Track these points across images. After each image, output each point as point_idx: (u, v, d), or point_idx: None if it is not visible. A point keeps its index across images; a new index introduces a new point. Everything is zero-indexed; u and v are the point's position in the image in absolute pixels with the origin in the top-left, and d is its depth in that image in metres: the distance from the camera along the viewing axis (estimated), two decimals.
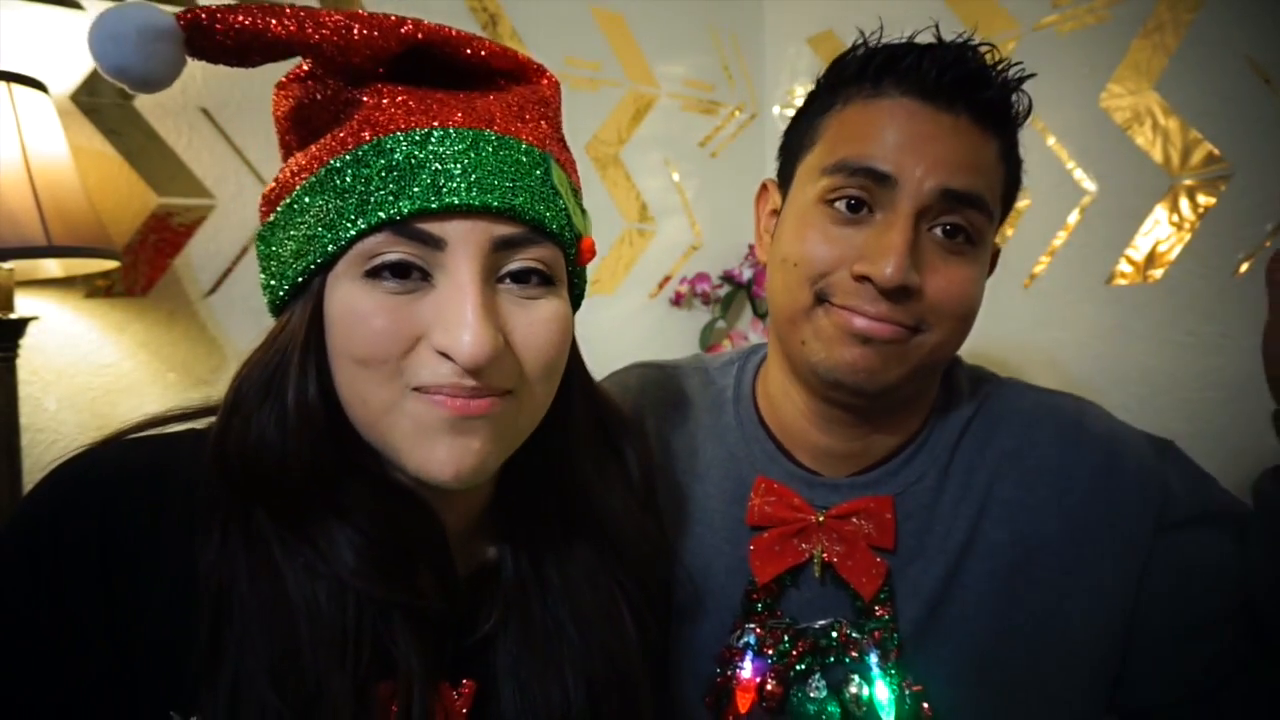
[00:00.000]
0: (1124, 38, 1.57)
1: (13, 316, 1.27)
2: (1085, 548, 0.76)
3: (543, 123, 0.63)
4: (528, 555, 0.69)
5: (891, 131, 0.75)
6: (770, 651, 0.79)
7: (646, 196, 2.16)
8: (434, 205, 0.54)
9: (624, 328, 2.15)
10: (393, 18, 0.58)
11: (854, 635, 0.78)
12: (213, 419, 0.63)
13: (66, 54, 1.45)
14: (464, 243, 0.55)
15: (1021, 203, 1.73)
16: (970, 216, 0.75)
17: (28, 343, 1.31)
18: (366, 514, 0.58)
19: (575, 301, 0.68)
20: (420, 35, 0.59)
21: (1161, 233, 1.52)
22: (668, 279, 2.20)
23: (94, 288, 1.48)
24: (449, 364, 0.54)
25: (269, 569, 0.57)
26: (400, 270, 0.55)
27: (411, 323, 0.55)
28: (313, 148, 0.59)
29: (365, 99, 0.58)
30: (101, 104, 1.48)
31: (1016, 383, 0.88)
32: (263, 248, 0.62)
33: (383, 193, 0.55)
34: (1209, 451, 1.50)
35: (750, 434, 0.88)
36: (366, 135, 0.56)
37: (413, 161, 0.55)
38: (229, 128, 1.60)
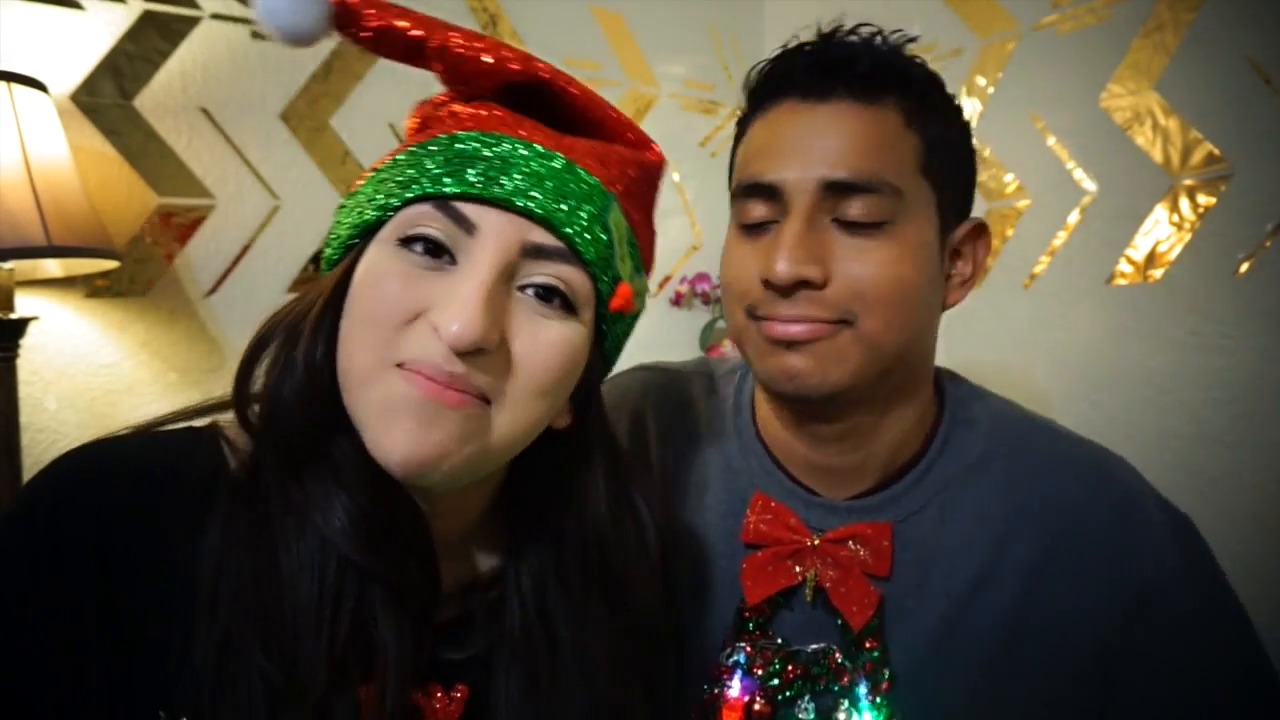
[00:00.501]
0: (1124, 38, 1.57)
1: (13, 316, 1.27)
2: (1087, 613, 0.74)
3: (625, 173, 0.64)
4: (536, 607, 0.66)
5: (775, 141, 0.75)
6: (759, 671, 0.78)
7: None
8: (477, 190, 0.56)
9: None
10: (522, 53, 0.63)
11: (845, 664, 0.77)
12: (208, 416, 0.64)
13: (66, 54, 1.45)
14: (494, 234, 0.56)
15: (1021, 203, 1.74)
16: (865, 205, 0.71)
17: (28, 343, 1.31)
18: (359, 480, 0.58)
19: (606, 357, 0.67)
20: (535, 71, 0.63)
21: (1161, 233, 1.52)
22: (668, 279, 2.20)
23: (94, 288, 1.48)
24: (438, 344, 0.54)
25: (266, 537, 0.57)
26: (432, 248, 0.57)
27: (419, 295, 0.56)
28: (414, 139, 0.63)
29: (469, 110, 0.62)
30: (101, 104, 1.48)
31: (1046, 429, 0.83)
32: (335, 217, 0.65)
33: (437, 171, 0.57)
34: (1209, 453, 1.51)
35: (749, 447, 0.87)
36: (453, 130, 0.60)
37: (476, 154, 0.58)
38: (229, 128, 1.60)
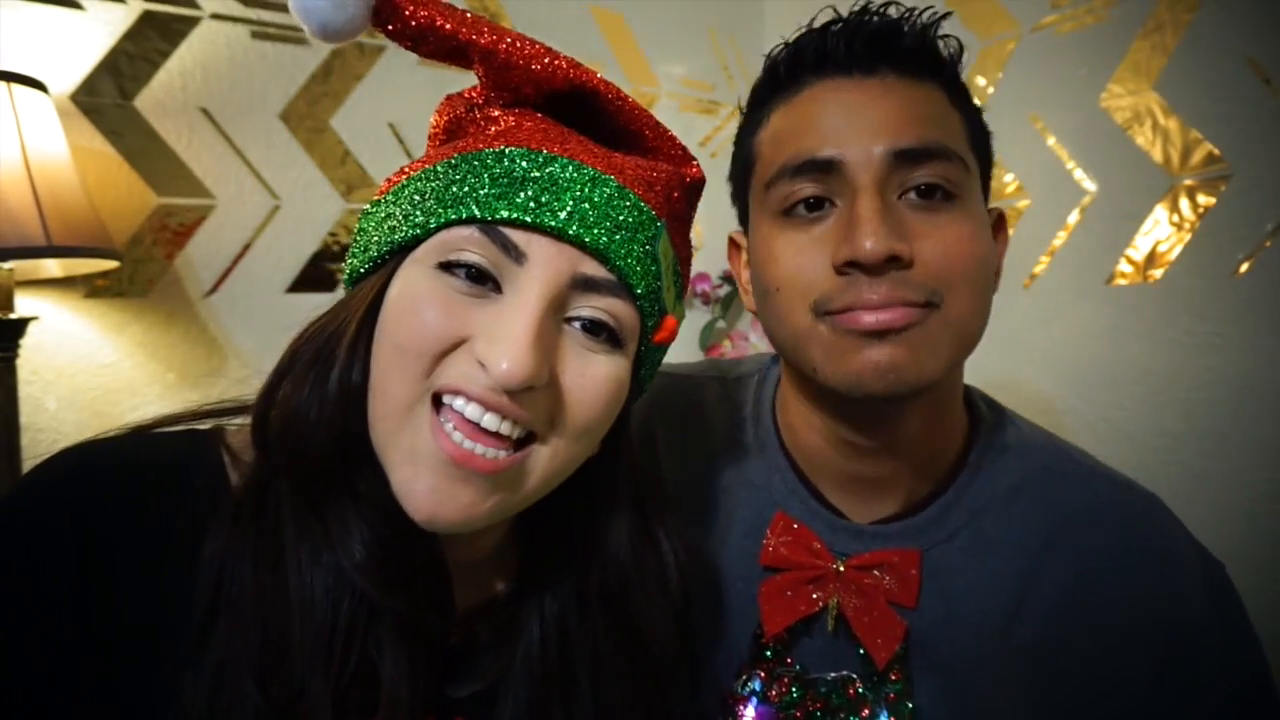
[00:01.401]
0: (1124, 38, 1.57)
1: (13, 316, 1.27)
2: (1114, 662, 0.70)
3: (672, 196, 0.61)
4: (557, 637, 0.64)
5: (821, 117, 0.70)
6: (776, 699, 0.74)
7: None
8: (528, 219, 0.53)
9: None
10: (570, 59, 0.60)
11: (865, 694, 0.72)
12: (213, 420, 0.62)
13: (66, 54, 1.45)
14: (544, 264, 0.53)
15: (1021, 203, 1.74)
16: (938, 169, 0.67)
17: (28, 343, 1.31)
18: (380, 511, 0.56)
19: (638, 385, 0.64)
20: (584, 81, 0.60)
21: (1161, 233, 1.52)
22: None
23: (94, 288, 1.48)
24: (482, 375, 0.52)
25: (274, 557, 0.55)
26: (474, 274, 0.54)
27: (462, 324, 0.53)
28: (446, 147, 0.60)
29: (510, 118, 0.59)
30: (101, 104, 1.48)
31: (1080, 463, 0.78)
32: (360, 223, 0.62)
33: (485, 192, 0.54)
34: (1208, 451, 1.51)
35: (771, 461, 0.81)
36: (496, 143, 0.56)
37: (526, 175, 0.54)
38: (229, 128, 1.60)
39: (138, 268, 1.52)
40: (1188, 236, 1.49)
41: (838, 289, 0.67)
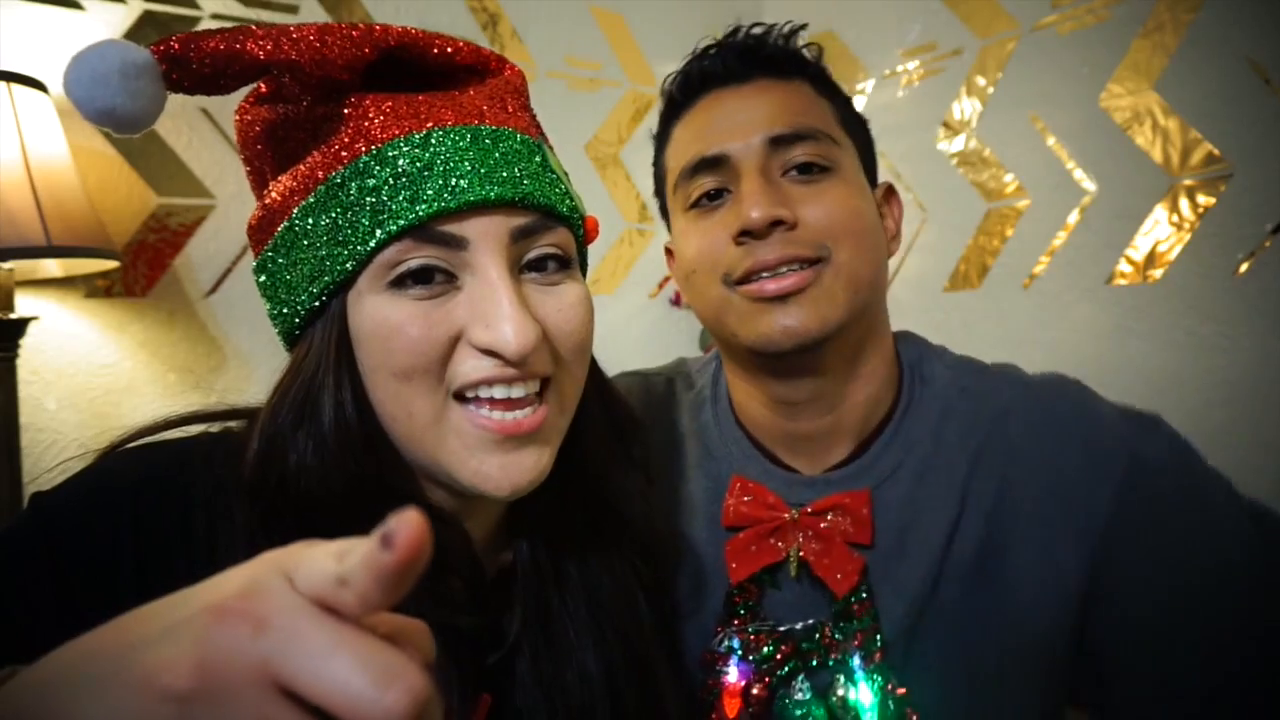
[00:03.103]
0: (1124, 38, 1.57)
1: (13, 316, 1.27)
2: (1052, 531, 0.74)
3: (524, 113, 0.63)
4: (546, 550, 0.68)
5: (709, 122, 0.82)
6: (754, 656, 0.78)
7: (646, 196, 2.16)
8: (450, 205, 0.54)
9: (623, 328, 2.15)
10: (361, 26, 0.57)
11: (837, 637, 0.77)
12: (213, 424, 0.62)
13: (66, 54, 1.44)
14: (485, 238, 0.55)
15: (1021, 203, 1.74)
16: (810, 147, 0.78)
17: (28, 343, 1.31)
18: None
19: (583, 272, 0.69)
20: (392, 40, 0.58)
21: (1161, 233, 1.52)
22: (667, 279, 2.20)
23: (94, 288, 1.48)
24: (490, 359, 0.55)
25: None
26: (424, 276, 0.55)
27: (446, 325, 0.55)
28: (300, 168, 0.57)
29: (346, 110, 0.57)
30: None
31: (1000, 374, 0.85)
32: (265, 279, 0.60)
33: (396, 201, 0.54)
34: (1208, 451, 1.49)
35: (727, 433, 0.88)
36: (362, 146, 0.55)
37: (419, 165, 0.54)
38: (229, 128, 1.60)
39: (138, 268, 1.52)
40: (1188, 236, 1.49)
41: (738, 258, 0.77)
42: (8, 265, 1.26)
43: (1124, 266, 1.57)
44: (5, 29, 1.38)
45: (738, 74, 0.83)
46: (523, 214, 0.57)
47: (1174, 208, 1.51)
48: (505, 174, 0.56)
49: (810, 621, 0.78)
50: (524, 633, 0.65)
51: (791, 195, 0.77)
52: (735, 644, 0.79)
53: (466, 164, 0.55)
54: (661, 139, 0.89)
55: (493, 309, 0.54)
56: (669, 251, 0.94)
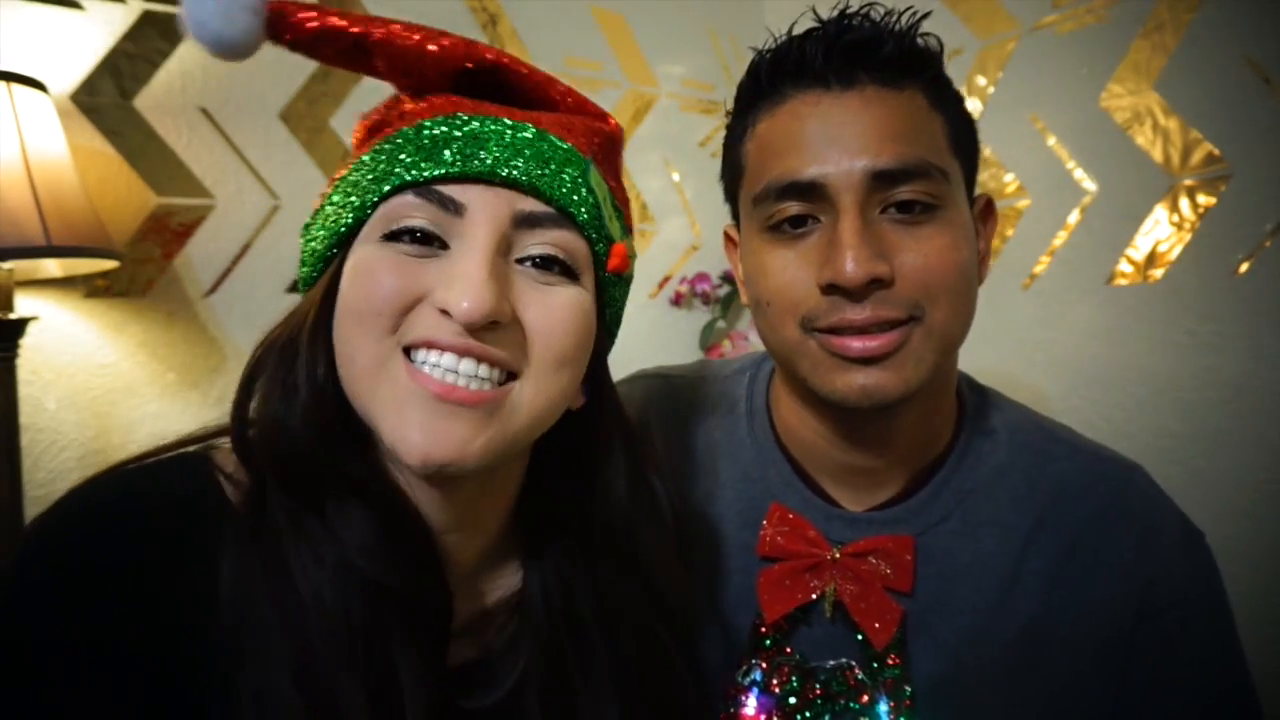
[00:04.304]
0: (1124, 38, 1.57)
1: (13, 316, 1.27)
2: (1102, 620, 0.73)
3: (593, 141, 0.63)
4: (559, 592, 0.65)
5: (801, 135, 0.71)
6: (777, 689, 0.75)
7: (646, 197, 2.16)
8: (457, 169, 0.55)
9: (624, 328, 2.14)
10: (460, 37, 0.61)
11: (865, 680, 0.74)
12: (198, 445, 0.61)
13: (66, 54, 1.45)
14: (483, 210, 0.55)
15: (1021, 202, 1.74)
16: (917, 185, 0.69)
17: (28, 343, 1.31)
18: (374, 496, 0.57)
19: (609, 329, 0.66)
20: (490, 56, 0.61)
21: (1161, 233, 1.52)
22: (668, 279, 2.20)
23: (94, 288, 1.48)
24: (448, 323, 0.54)
25: (282, 564, 0.55)
26: (420, 237, 0.55)
27: (417, 282, 0.55)
28: (366, 145, 0.61)
29: (422, 103, 0.60)
30: (101, 104, 1.48)
31: (1065, 440, 0.81)
32: (302, 241, 0.63)
33: (410, 159, 0.56)
34: (1208, 451, 1.50)
35: (767, 455, 0.83)
36: (412, 121, 0.58)
37: (447, 136, 0.56)
38: (229, 128, 1.60)
39: (137, 268, 1.52)
40: (1188, 236, 1.49)
41: (823, 309, 0.69)
42: (8, 265, 1.26)
43: (1124, 266, 1.57)
44: (5, 29, 1.38)
45: (842, 76, 0.70)
46: (532, 201, 0.57)
47: (1174, 208, 1.51)
48: (524, 161, 0.56)
49: (840, 661, 0.75)
50: (529, 684, 0.63)
51: (889, 241, 0.68)
52: (758, 677, 0.76)
53: (492, 144, 0.56)
54: (741, 126, 0.78)
55: (460, 269, 0.53)
56: (729, 238, 0.86)
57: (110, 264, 1.39)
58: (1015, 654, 0.73)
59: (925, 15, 0.73)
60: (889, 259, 0.68)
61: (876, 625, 0.72)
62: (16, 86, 1.26)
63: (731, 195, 0.82)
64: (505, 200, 0.56)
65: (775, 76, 0.74)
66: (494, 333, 0.54)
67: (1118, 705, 0.74)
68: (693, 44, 2.27)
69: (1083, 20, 1.64)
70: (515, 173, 0.56)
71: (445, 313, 0.53)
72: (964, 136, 0.75)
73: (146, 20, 1.52)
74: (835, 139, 0.69)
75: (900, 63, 0.71)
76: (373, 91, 1.75)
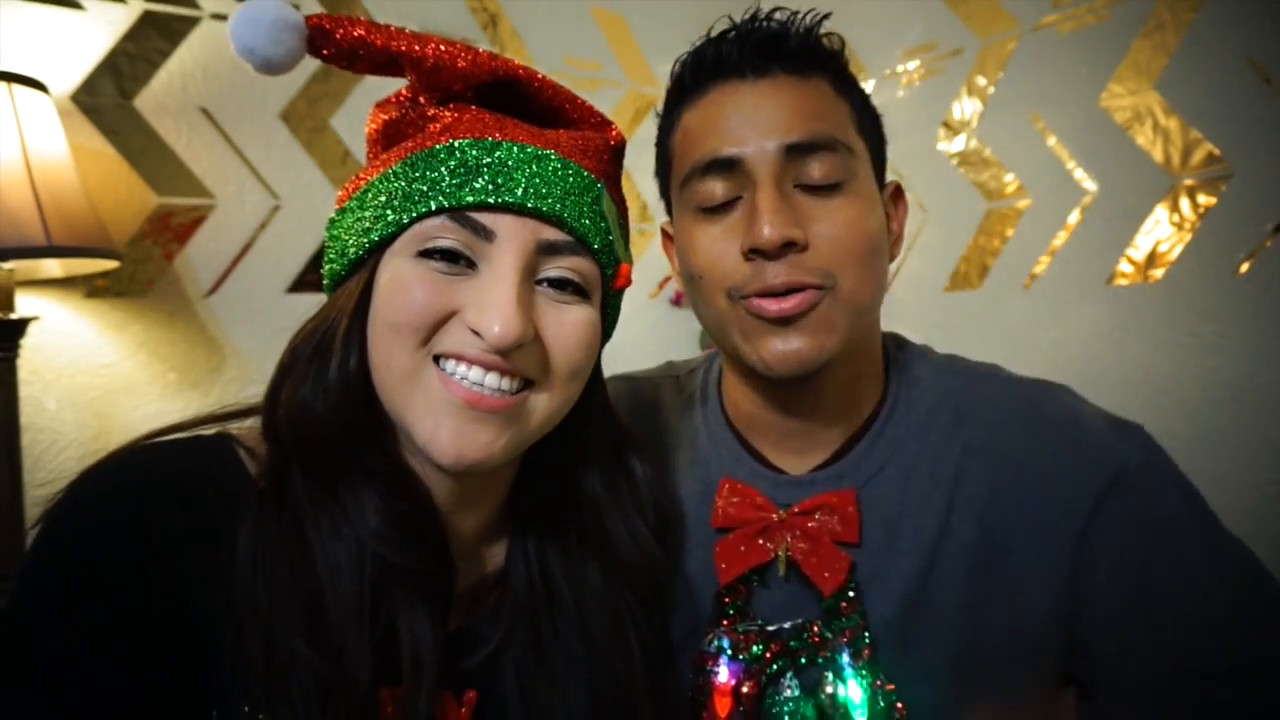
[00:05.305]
0: (1124, 38, 1.57)
1: (13, 316, 1.27)
2: (1043, 530, 0.75)
3: (603, 159, 0.69)
4: (539, 565, 0.73)
5: (722, 119, 0.78)
6: (743, 655, 0.79)
7: (647, 197, 2.16)
8: (492, 200, 0.60)
9: (623, 328, 2.13)
10: (484, 51, 0.67)
11: (826, 635, 0.77)
12: (217, 425, 0.66)
13: (66, 54, 1.45)
14: (512, 238, 0.61)
15: (1021, 202, 1.74)
16: (825, 161, 0.76)
17: (28, 343, 1.31)
18: (390, 485, 0.63)
19: (607, 331, 0.73)
20: (508, 71, 0.67)
21: (1162, 233, 1.52)
22: (668, 279, 2.20)
23: (94, 288, 1.48)
24: (477, 340, 0.59)
25: (299, 535, 0.61)
26: (450, 256, 0.61)
27: (449, 299, 0.60)
28: (394, 149, 0.66)
29: (447, 114, 0.66)
30: (101, 104, 1.48)
31: (987, 374, 0.86)
32: (330, 231, 0.68)
33: (448, 184, 0.61)
34: (1209, 451, 1.51)
35: (717, 435, 0.89)
36: (444, 139, 0.63)
37: (480, 162, 0.62)
38: (229, 128, 1.61)
39: (138, 268, 1.52)
40: (1188, 236, 1.49)
41: (746, 275, 0.76)
42: (8, 265, 1.26)
43: (1124, 266, 1.57)
44: (5, 29, 1.38)
45: (756, 67, 0.79)
46: (555, 230, 0.63)
47: (1174, 207, 1.51)
48: (551, 192, 0.62)
49: (799, 620, 0.79)
50: (510, 647, 0.69)
51: (803, 211, 0.75)
52: (725, 644, 0.80)
53: (520, 174, 0.62)
54: (668, 122, 0.86)
55: (492, 296, 0.59)
56: (666, 234, 0.93)
57: (111, 264, 1.40)
58: (966, 585, 0.76)
59: (826, 15, 0.83)
60: (804, 226, 0.74)
61: (826, 575, 0.77)
62: (17, 86, 1.26)
63: (664, 189, 0.89)
64: (531, 229, 0.61)
65: (697, 72, 0.82)
66: (517, 351, 0.60)
67: (1088, 623, 0.74)
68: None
69: (1083, 20, 1.64)
70: (542, 205, 0.61)
71: (474, 332, 0.59)
72: (869, 122, 0.83)
73: (147, 20, 1.52)
74: (751, 120, 0.77)
75: (806, 55, 0.80)
76: (373, 91, 1.76)
